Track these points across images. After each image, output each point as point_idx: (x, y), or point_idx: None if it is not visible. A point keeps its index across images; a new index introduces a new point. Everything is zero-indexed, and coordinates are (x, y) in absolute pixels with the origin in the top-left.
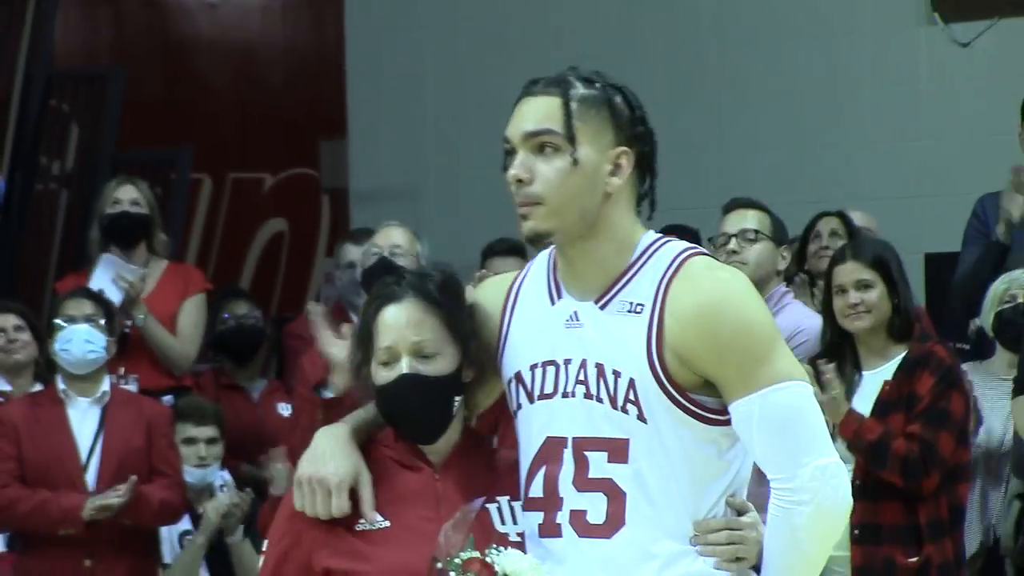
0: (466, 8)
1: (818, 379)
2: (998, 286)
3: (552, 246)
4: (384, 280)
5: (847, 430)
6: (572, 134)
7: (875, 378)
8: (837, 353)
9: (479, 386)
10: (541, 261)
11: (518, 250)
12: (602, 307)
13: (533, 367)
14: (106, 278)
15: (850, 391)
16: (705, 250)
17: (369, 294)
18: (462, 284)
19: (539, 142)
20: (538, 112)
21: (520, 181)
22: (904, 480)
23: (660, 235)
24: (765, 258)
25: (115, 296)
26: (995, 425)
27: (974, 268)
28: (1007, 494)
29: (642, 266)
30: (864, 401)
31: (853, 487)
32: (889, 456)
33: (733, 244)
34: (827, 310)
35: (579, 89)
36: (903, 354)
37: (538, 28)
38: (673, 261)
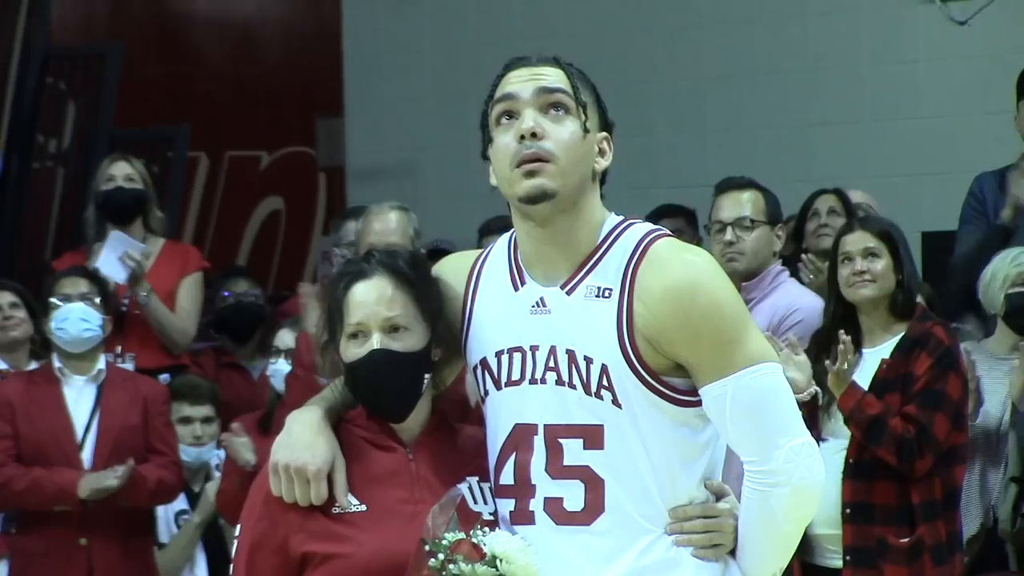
0: None
1: (826, 352)
2: (1008, 269)
3: (511, 231)
4: (352, 258)
5: (847, 403)
6: (583, 101)
7: (876, 357)
8: (840, 330)
9: (445, 364)
10: (501, 246)
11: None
12: (568, 292)
13: (499, 353)
14: (113, 255)
15: (850, 369)
16: (668, 231)
17: (335, 272)
18: (428, 262)
19: (553, 100)
20: (548, 75)
21: (535, 135)
22: (898, 460)
23: (622, 218)
24: (762, 244)
25: (120, 274)
26: (994, 405)
27: (977, 251)
28: (1005, 476)
29: (607, 250)
30: (864, 380)
31: (846, 466)
32: (885, 433)
33: (729, 234)
34: (832, 284)
35: (571, 68)
36: (903, 333)
37: (535, 4)
38: (638, 245)
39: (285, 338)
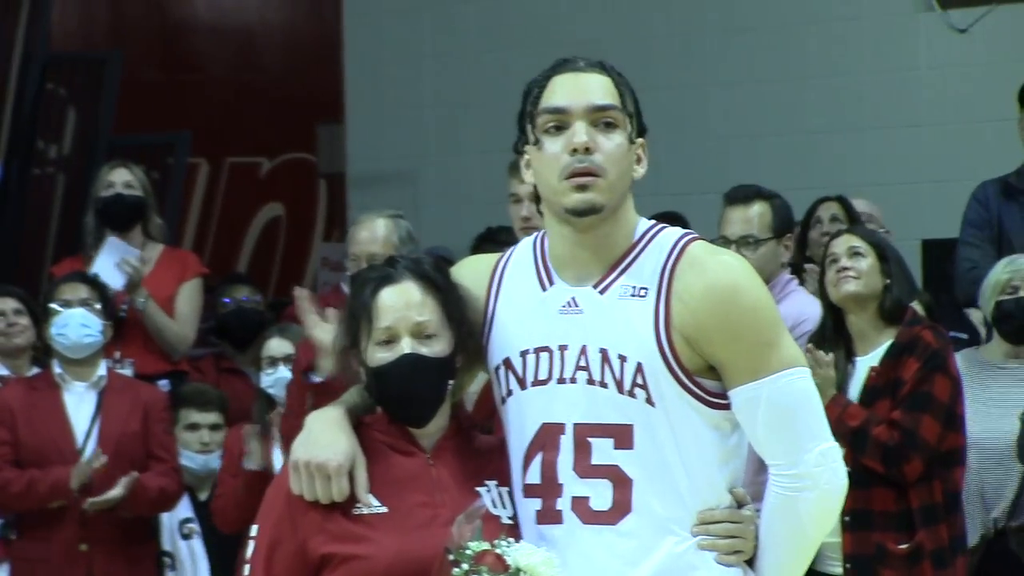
0: None
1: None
2: (1000, 275)
3: (538, 233)
4: (376, 264)
5: (830, 415)
6: (630, 112)
7: (867, 365)
8: (831, 341)
9: (465, 370)
10: (525, 247)
11: (514, 239)
12: (602, 292)
13: (524, 353)
14: (109, 262)
15: (843, 379)
16: (701, 235)
17: (359, 277)
18: (450, 268)
19: (604, 116)
20: (599, 87)
21: (588, 149)
22: (885, 466)
23: (654, 221)
24: (768, 260)
25: (117, 281)
26: None
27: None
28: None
29: (641, 251)
30: (856, 388)
31: None
32: (869, 442)
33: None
34: (823, 293)
35: (616, 74)
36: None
37: (536, 12)
38: (674, 246)
39: (277, 346)
